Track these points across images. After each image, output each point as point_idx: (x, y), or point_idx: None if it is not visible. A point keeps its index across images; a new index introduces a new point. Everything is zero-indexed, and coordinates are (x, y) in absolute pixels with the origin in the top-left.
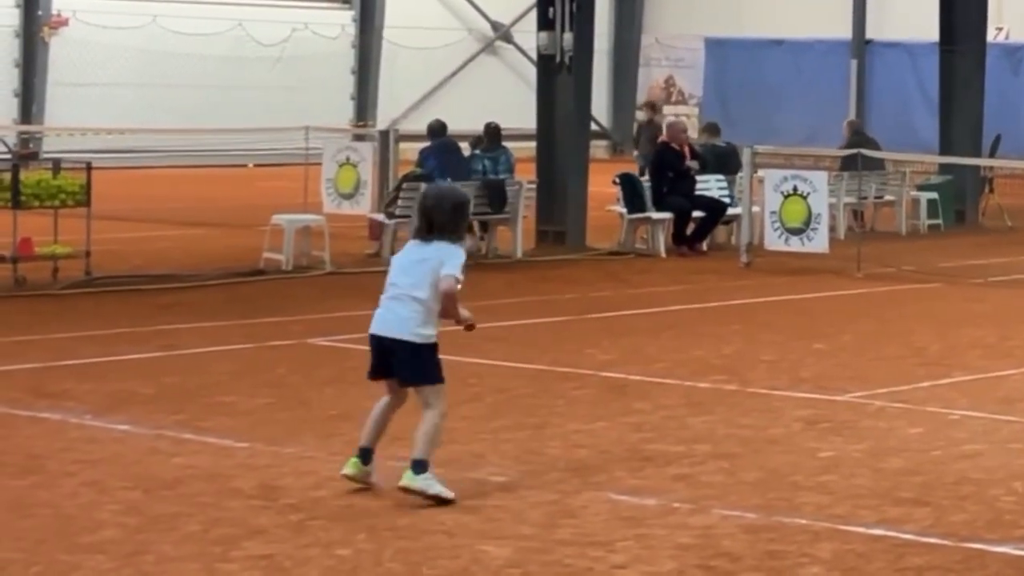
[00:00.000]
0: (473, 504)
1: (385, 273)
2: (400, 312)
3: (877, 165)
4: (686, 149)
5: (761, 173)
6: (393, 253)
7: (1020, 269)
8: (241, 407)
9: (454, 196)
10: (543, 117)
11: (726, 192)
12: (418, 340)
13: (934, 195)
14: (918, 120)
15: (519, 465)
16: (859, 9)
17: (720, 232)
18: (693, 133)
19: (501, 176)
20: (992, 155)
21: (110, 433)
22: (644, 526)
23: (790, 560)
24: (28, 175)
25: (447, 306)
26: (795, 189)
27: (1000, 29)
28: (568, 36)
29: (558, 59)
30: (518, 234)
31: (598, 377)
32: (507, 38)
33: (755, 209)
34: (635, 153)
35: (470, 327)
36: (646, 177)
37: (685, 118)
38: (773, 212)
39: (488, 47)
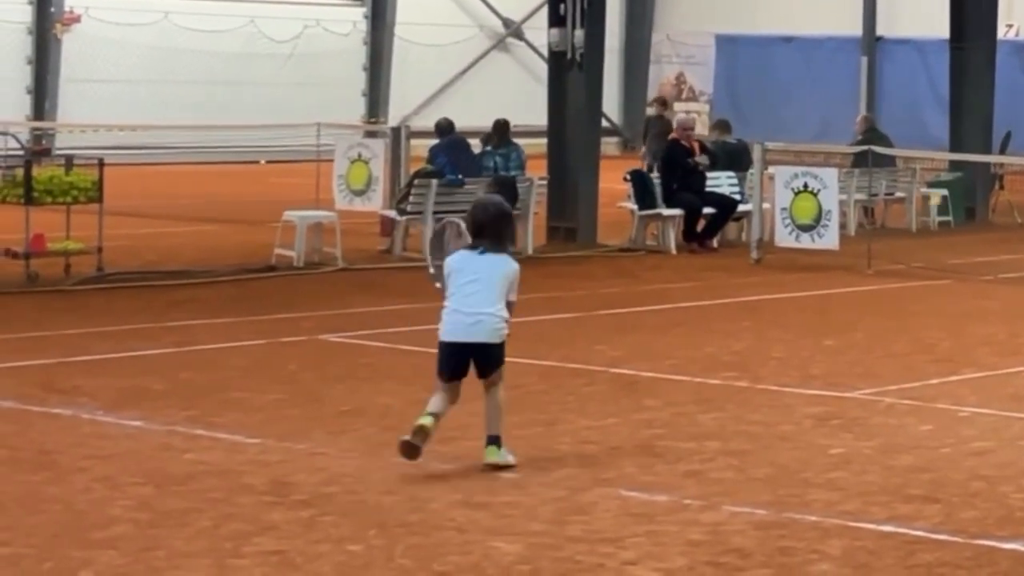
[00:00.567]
0: (484, 500)
1: (397, 270)
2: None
3: (888, 162)
4: (696, 146)
5: (772, 170)
6: (404, 250)
7: None
8: (253, 403)
9: (498, 207)
10: (554, 114)
11: (737, 189)
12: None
13: (944, 192)
14: (928, 117)
15: (529, 462)
16: (869, 6)
17: (731, 229)
18: (704, 130)
19: (512, 173)
20: (1002, 152)
21: (122, 429)
22: (654, 522)
23: (800, 557)
24: (41, 171)
25: None
26: (806, 186)
27: (1010, 26)
28: (579, 33)
29: (569, 56)
30: (529, 230)
31: (609, 373)
32: (518, 35)
33: (766, 206)
34: (642, 150)
35: None
36: (656, 173)
37: (696, 115)
38: (784, 209)
39: (499, 44)
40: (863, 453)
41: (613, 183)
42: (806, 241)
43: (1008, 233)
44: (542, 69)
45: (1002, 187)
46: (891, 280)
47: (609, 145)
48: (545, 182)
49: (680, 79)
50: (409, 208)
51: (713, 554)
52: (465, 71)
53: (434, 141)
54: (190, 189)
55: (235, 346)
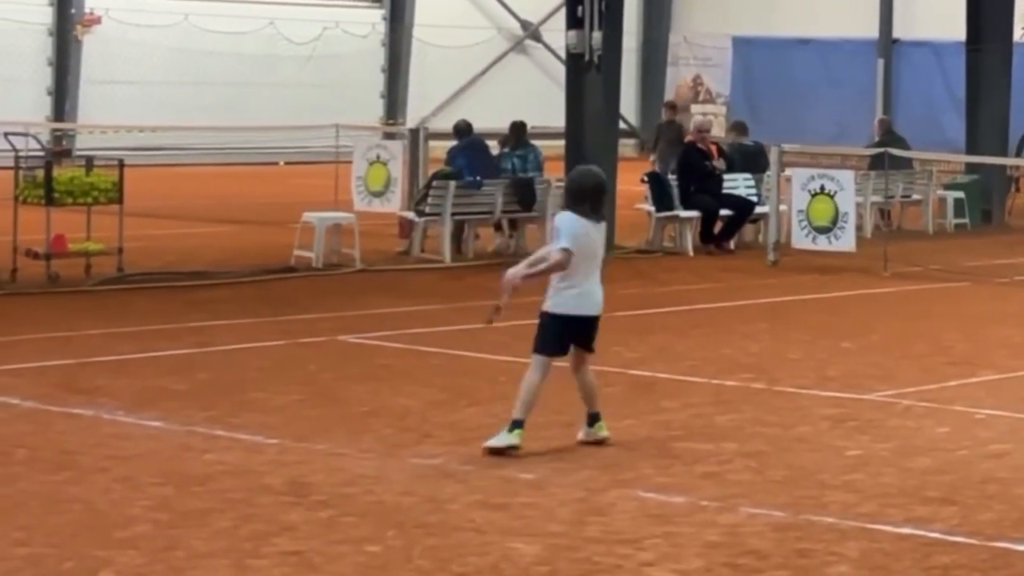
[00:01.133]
0: (502, 501)
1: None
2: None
3: (904, 164)
4: (713, 148)
5: (788, 172)
6: (423, 251)
7: None
8: (272, 404)
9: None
10: (572, 115)
11: (754, 191)
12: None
13: (961, 194)
14: (944, 119)
15: (548, 462)
16: (886, 8)
17: (748, 231)
18: (720, 132)
19: (530, 174)
20: (1019, 154)
21: (142, 429)
22: (672, 524)
23: (817, 559)
24: (61, 172)
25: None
26: (822, 188)
27: None
28: (597, 35)
29: (587, 58)
30: (547, 232)
31: (626, 375)
32: (536, 37)
33: (782, 208)
34: (651, 156)
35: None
36: (673, 176)
37: (712, 117)
38: (800, 211)
39: (517, 46)
40: (880, 455)
41: (630, 185)
42: (823, 243)
43: None
44: (560, 71)
45: (1018, 189)
46: (908, 282)
47: (626, 147)
48: (563, 184)
49: (697, 81)
50: (427, 209)
51: (730, 556)
52: (483, 73)
53: (452, 143)
54: (210, 190)
55: (254, 347)
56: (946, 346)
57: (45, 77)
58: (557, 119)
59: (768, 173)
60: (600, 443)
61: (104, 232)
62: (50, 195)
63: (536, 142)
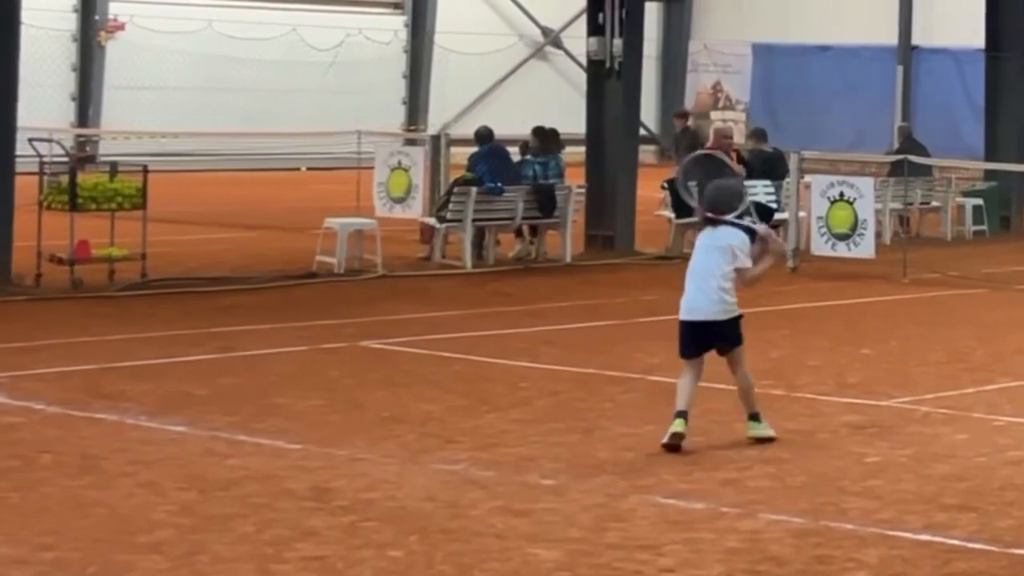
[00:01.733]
0: (523, 507)
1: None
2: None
3: (924, 171)
4: (732, 155)
5: (808, 179)
6: (444, 257)
7: None
8: (294, 409)
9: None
10: (592, 122)
11: (773, 197)
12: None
13: (979, 201)
14: (963, 126)
15: (568, 468)
16: (905, 15)
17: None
18: (740, 139)
19: (551, 181)
20: None
21: (166, 434)
22: (692, 530)
23: (837, 565)
24: (85, 178)
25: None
26: (842, 195)
27: None
28: (618, 42)
29: (607, 64)
30: (567, 238)
31: (646, 381)
32: (557, 43)
33: (802, 214)
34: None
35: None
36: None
37: (732, 124)
38: (820, 217)
39: (538, 52)
40: (899, 462)
41: (650, 191)
42: (842, 250)
43: None
44: (580, 78)
45: None
46: (926, 289)
47: (646, 153)
48: (583, 190)
49: (717, 88)
50: (448, 216)
51: (750, 562)
52: (504, 79)
53: (474, 149)
54: (232, 196)
55: (277, 352)
56: (965, 353)
57: (69, 83)
58: (578, 126)
59: (788, 180)
60: (763, 441)
61: (127, 238)
62: (74, 201)
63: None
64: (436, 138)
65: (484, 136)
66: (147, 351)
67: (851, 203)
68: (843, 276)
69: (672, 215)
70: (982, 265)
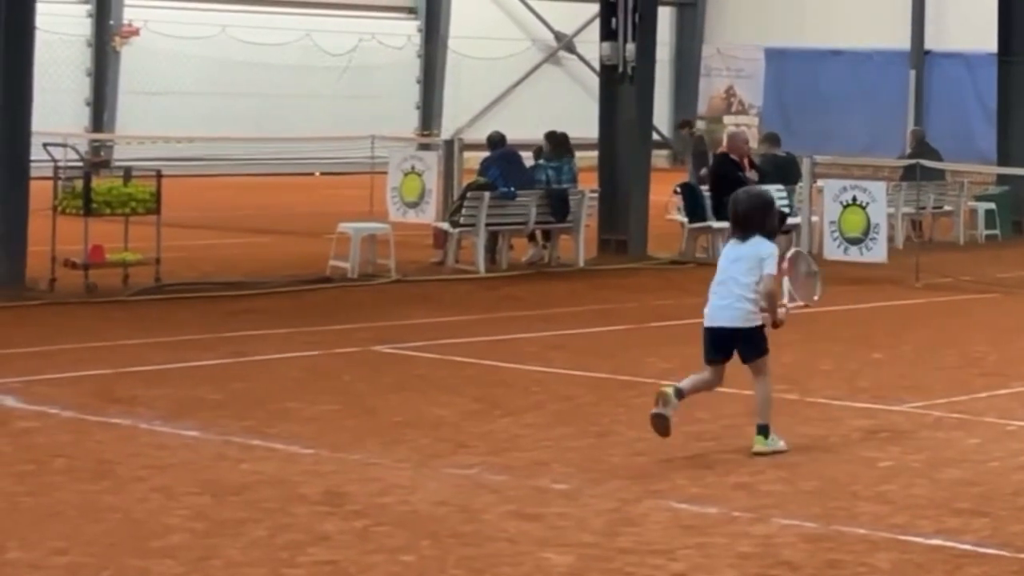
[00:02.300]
0: (536, 512)
1: (450, 282)
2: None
3: (936, 175)
4: (746, 160)
5: (820, 183)
6: (457, 262)
7: None
8: (307, 414)
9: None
10: (605, 126)
11: (786, 202)
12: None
13: (992, 206)
14: (976, 130)
15: (581, 473)
16: (918, 20)
17: (780, 241)
18: (753, 143)
19: (564, 185)
20: None
21: (179, 439)
22: (705, 535)
23: (849, 570)
24: (99, 183)
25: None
26: (854, 199)
27: None
28: (630, 46)
29: (620, 69)
30: (580, 243)
31: (659, 386)
32: (570, 48)
33: (815, 219)
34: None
35: (776, 325)
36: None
37: (745, 128)
38: (832, 222)
39: (551, 57)
40: (911, 466)
41: (663, 196)
42: (855, 254)
43: None
44: (594, 82)
45: None
46: (939, 293)
47: (659, 158)
48: (596, 195)
49: (730, 92)
50: (462, 220)
51: (763, 566)
52: (517, 84)
53: (487, 154)
54: (246, 200)
55: (290, 357)
56: (977, 357)
57: (84, 88)
58: (591, 130)
59: (800, 184)
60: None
61: (141, 242)
62: (88, 205)
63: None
64: (449, 143)
65: (496, 141)
66: (161, 355)
67: (864, 207)
68: (855, 280)
69: (685, 219)
70: (995, 269)
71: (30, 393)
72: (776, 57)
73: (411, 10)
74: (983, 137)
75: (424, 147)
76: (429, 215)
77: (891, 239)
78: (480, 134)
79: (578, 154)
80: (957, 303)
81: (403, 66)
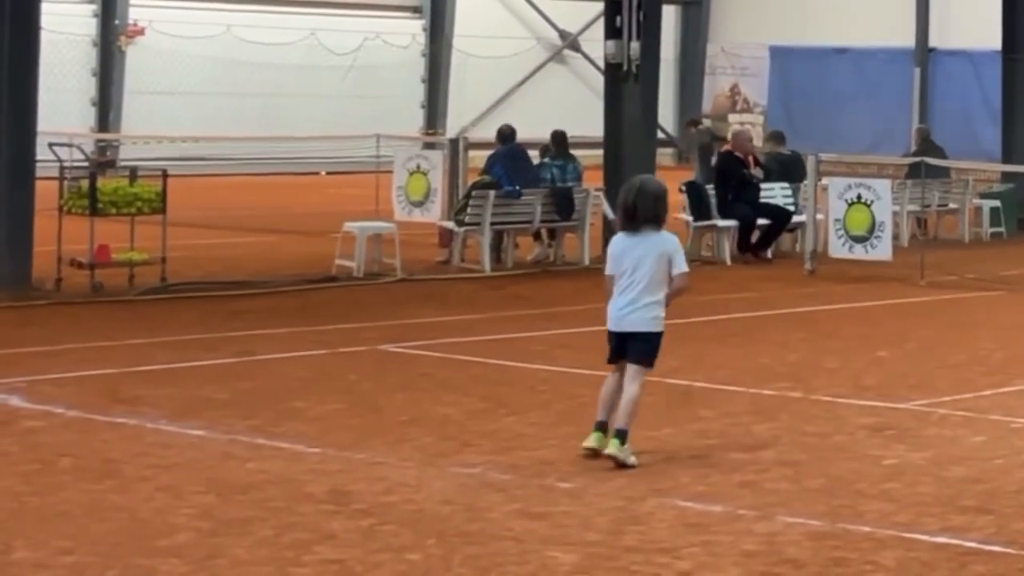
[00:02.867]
0: (541, 510)
1: (456, 281)
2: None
3: (941, 173)
4: (751, 158)
5: (825, 181)
6: (463, 261)
7: None
8: (313, 413)
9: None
10: (610, 125)
11: (791, 200)
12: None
13: (996, 203)
14: (980, 128)
15: (586, 471)
16: (922, 18)
17: (785, 240)
18: (758, 141)
19: (569, 184)
20: None
21: (185, 438)
22: (709, 533)
23: (854, 568)
24: (105, 183)
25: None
26: (859, 197)
27: None
28: (635, 45)
29: (625, 68)
30: (585, 241)
31: (664, 384)
32: (575, 47)
33: (819, 217)
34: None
35: None
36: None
37: (750, 126)
38: (837, 220)
39: (556, 56)
40: (916, 464)
41: (668, 194)
42: (859, 252)
43: None
44: (598, 81)
45: None
46: (944, 291)
47: (664, 156)
48: (601, 193)
49: (734, 90)
50: (467, 219)
51: (768, 564)
52: (522, 83)
53: (491, 152)
54: (251, 200)
55: (296, 356)
56: (982, 355)
57: (89, 88)
58: (596, 129)
59: (805, 182)
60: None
61: (147, 242)
62: (94, 205)
63: (574, 151)
64: (455, 142)
65: (507, 135)
66: (166, 355)
67: (868, 205)
68: (860, 278)
69: (690, 218)
70: (999, 267)
71: (36, 393)
72: (781, 55)
73: (416, 9)
74: (988, 135)
75: (429, 146)
76: (434, 214)
77: (896, 237)
78: (485, 133)
79: (583, 152)
80: (962, 301)
81: (408, 65)
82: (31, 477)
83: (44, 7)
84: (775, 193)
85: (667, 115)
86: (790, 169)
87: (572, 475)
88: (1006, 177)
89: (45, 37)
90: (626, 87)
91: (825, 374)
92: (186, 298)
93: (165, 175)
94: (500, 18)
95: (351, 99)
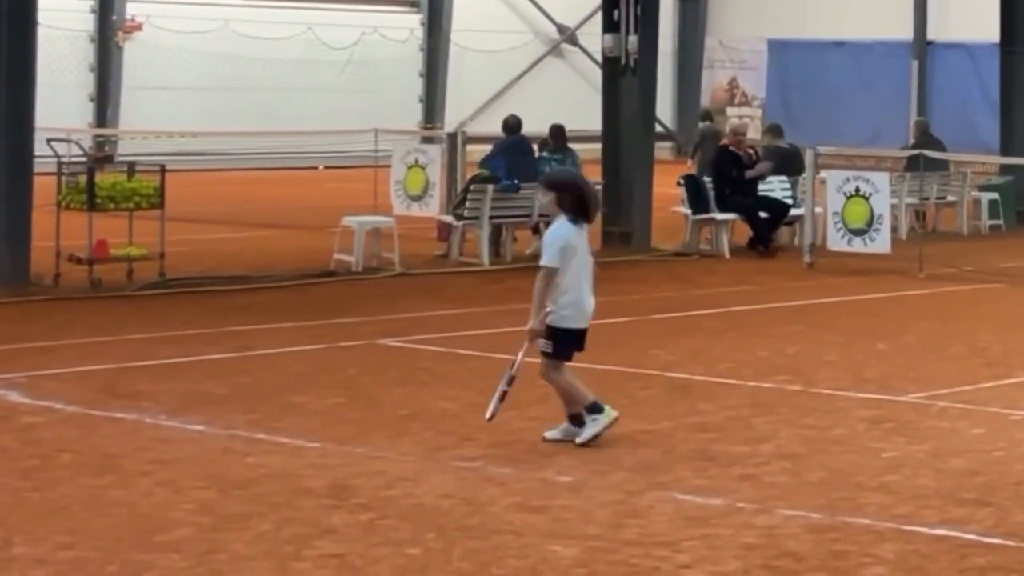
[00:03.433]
0: (541, 504)
1: (455, 275)
2: None
3: (939, 166)
4: (751, 152)
5: (824, 174)
6: (461, 255)
7: None
8: (312, 407)
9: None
10: (608, 119)
11: (789, 193)
12: None
13: (995, 196)
14: (979, 121)
15: (586, 465)
16: (920, 11)
17: (784, 233)
18: (756, 135)
19: None
20: None
21: (184, 433)
22: (709, 526)
23: (854, 560)
24: (103, 178)
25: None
26: (857, 190)
27: None
28: (633, 38)
29: (623, 61)
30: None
31: (663, 377)
32: (573, 41)
33: (818, 210)
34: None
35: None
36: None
37: (748, 119)
38: (836, 213)
39: (554, 50)
40: (916, 457)
41: (667, 188)
42: (858, 245)
43: None
44: (596, 74)
45: None
46: (943, 284)
47: (662, 150)
48: (600, 187)
49: (732, 84)
50: (466, 213)
51: (767, 557)
52: (520, 77)
53: (489, 146)
54: (250, 195)
55: (295, 351)
56: (981, 347)
57: (87, 83)
58: (594, 122)
59: (804, 176)
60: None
61: (146, 237)
62: (92, 201)
63: (573, 145)
64: (453, 136)
65: (512, 126)
66: (165, 350)
67: (867, 198)
68: (859, 271)
69: (689, 211)
70: (998, 259)
71: (35, 388)
72: (779, 48)
73: (413, 3)
74: (986, 127)
75: (427, 140)
76: (433, 208)
77: (895, 230)
78: (483, 127)
79: (582, 146)
80: (961, 293)
81: (406, 59)
82: (31, 472)
83: (41, 2)
84: (773, 186)
85: (665, 109)
86: (788, 162)
87: (572, 469)
88: (1004, 169)
89: (42, 33)
90: (624, 81)
91: (824, 367)
92: (185, 293)
93: (163, 170)
94: (498, 12)
95: (349, 93)
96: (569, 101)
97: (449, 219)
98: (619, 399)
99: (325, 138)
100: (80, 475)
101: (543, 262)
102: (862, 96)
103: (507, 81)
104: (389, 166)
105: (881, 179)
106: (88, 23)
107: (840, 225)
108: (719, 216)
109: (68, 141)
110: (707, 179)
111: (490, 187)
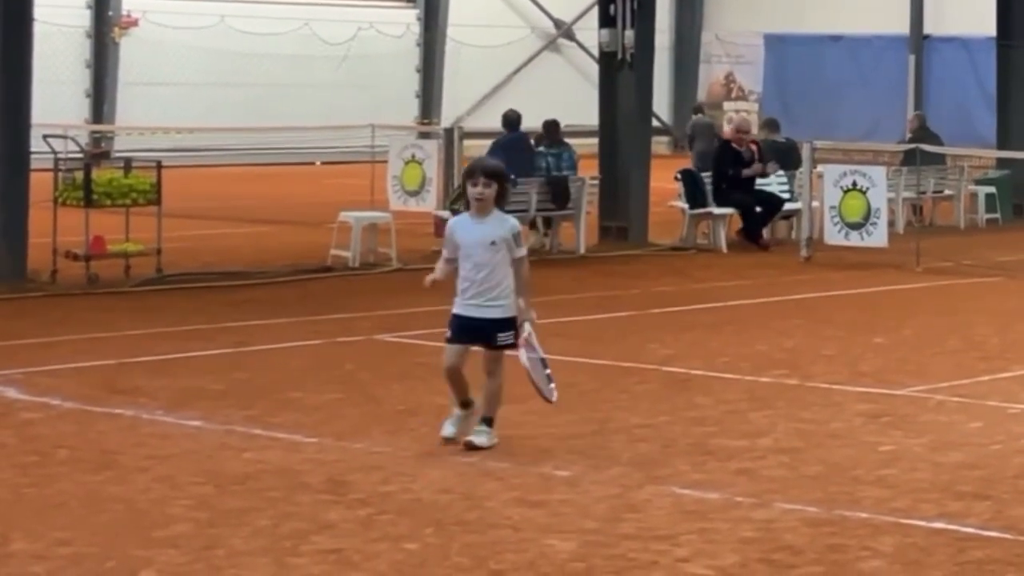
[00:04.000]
0: (539, 498)
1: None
2: None
3: (936, 160)
4: (753, 148)
5: (821, 168)
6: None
7: None
8: (310, 403)
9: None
10: (605, 114)
11: (786, 187)
12: None
13: (992, 189)
14: (976, 114)
15: (583, 460)
16: (916, 4)
17: (781, 227)
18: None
19: (564, 173)
20: None
21: (182, 429)
22: (707, 520)
23: (851, 554)
24: (100, 174)
25: None
26: (854, 184)
27: None
28: (629, 33)
29: (620, 56)
30: (581, 230)
31: (661, 372)
32: (569, 35)
33: (815, 204)
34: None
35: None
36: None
37: (745, 114)
38: (833, 207)
39: (550, 44)
40: (913, 450)
41: (664, 182)
42: (855, 239)
43: None
44: (593, 69)
45: None
46: (940, 277)
47: (659, 145)
48: (597, 182)
49: (729, 78)
50: (463, 209)
51: (765, 551)
52: (517, 72)
53: (487, 141)
54: (246, 190)
55: (292, 346)
56: (979, 341)
57: (83, 79)
58: (590, 117)
59: (800, 170)
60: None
61: (142, 233)
62: (89, 197)
63: (570, 140)
64: (450, 131)
65: (513, 120)
66: (163, 346)
67: (864, 192)
68: (856, 265)
69: (686, 206)
70: (995, 253)
71: (33, 384)
72: (775, 43)
73: None
74: (983, 121)
75: (424, 135)
76: (430, 203)
77: (892, 224)
78: (480, 122)
79: (578, 141)
80: (958, 287)
81: (402, 55)
82: (28, 469)
83: None
84: (770, 180)
85: (662, 104)
86: (785, 157)
87: (569, 463)
88: (1001, 163)
89: (38, 29)
90: (621, 76)
91: (822, 361)
92: (182, 289)
93: (160, 166)
94: (494, 7)
95: (346, 89)
96: (566, 96)
97: (446, 214)
98: (617, 394)
99: (322, 134)
100: (78, 471)
101: (525, 252)
102: (859, 90)
103: (504, 76)
104: (386, 161)
105: (878, 173)
106: (84, 19)
107: (837, 219)
108: (716, 210)
109: (64, 137)
110: (704, 174)
111: None
